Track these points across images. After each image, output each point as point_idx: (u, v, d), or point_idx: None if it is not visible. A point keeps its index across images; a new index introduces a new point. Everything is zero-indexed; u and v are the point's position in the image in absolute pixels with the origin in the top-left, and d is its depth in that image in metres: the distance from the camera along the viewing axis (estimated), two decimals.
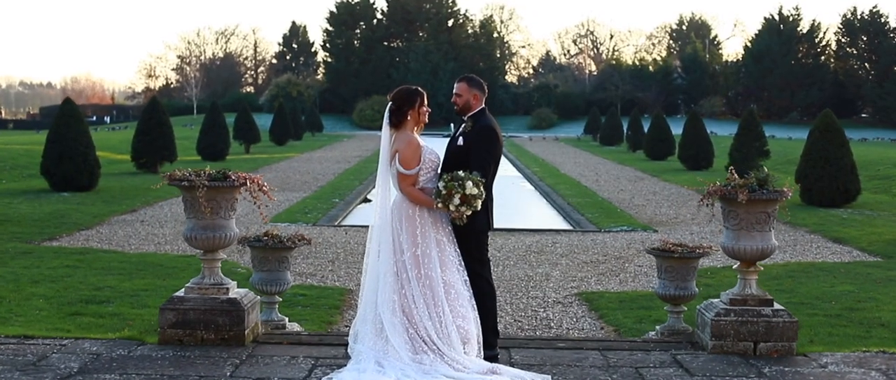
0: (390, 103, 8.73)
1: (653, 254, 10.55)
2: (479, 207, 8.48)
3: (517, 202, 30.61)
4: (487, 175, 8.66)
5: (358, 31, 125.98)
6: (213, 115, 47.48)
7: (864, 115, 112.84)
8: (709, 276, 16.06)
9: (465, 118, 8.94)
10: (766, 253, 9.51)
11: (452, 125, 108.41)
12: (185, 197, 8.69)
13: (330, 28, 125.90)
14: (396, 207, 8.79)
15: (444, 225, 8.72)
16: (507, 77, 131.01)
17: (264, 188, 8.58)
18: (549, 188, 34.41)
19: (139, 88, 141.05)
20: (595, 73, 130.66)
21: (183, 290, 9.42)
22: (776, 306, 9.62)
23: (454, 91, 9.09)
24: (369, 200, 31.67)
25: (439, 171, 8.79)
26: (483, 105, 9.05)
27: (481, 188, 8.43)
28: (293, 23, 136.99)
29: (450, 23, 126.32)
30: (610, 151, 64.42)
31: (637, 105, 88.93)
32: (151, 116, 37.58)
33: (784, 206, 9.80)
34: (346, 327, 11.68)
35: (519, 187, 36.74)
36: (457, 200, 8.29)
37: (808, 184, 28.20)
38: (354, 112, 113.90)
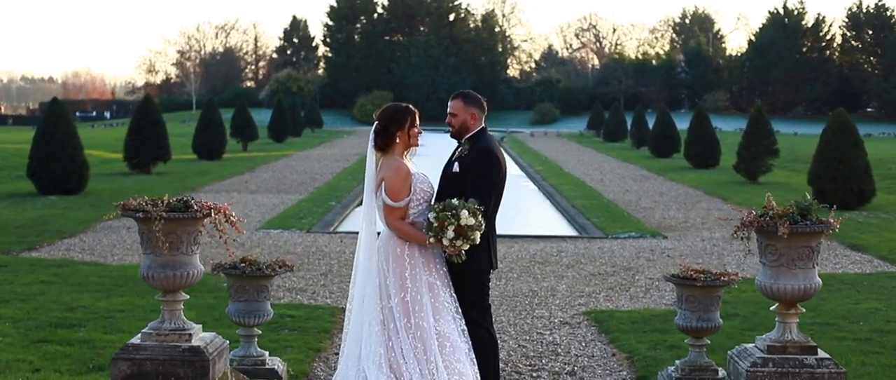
0: (376, 123, 7.70)
1: (672, 282, 9.51)
2: (478, 240, 7.35)
3: (520, 204, 29.60)
4: (487, 204, 7.56)
5: (358, 25, 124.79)
6: (210, 112, 46.48)
7: (869, 109, 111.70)
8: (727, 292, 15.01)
9: (463, 141, 7.89)
10: (808, 293, 8.35)
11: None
12: (141, 230, 7.44)
13: (330, 22, 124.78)
14: (383, 245, 7.71)
15: (439, 266, 7.65)
16: (508, 72, 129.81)
17: (232, 219, 7.38)
18: (553, 189, 33.38)
19: (139, 83, 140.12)
20: (598, 67, 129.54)
21: (139, 336, 8.16)
22: (820, 353, 8.43)
23: (448, 110, 8.01)
24: None
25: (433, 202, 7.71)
26: (482, 124, 8.01)
27: (480, 218, 7.32)
28: (294, 17, 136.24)
29: (451, 17, 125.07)
30: (614, 147, 63.36)
31: (641, 100, 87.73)
32: (145, 114, 36.62)
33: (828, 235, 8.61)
34: (335, 354, 10.73)
35: (521, 187, 35.74)
36: (451, 234, 7.18)
37: (821, 185, 27.21)
38: (355, 107, 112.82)
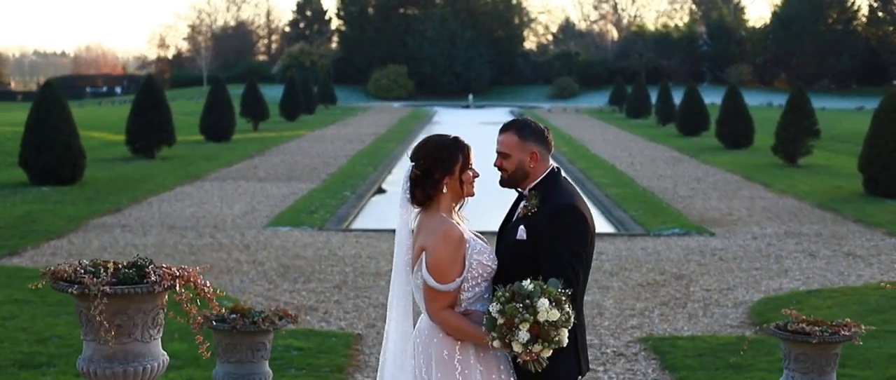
0: (412, 166, 5.40)
1: (779, 336, 7.50)
2: (566, 342, 4.98)
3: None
4: (575, 287, 5.22)
5: None
6: (218, 90, 44.29)
7: (895, 82, 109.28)
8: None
9: (527, 192, 5.54)
10: None
11: (472, 97, 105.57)
12: (79, 307, 5.06)
13: None
14: (423, 344, 5.36)
15: (504, 372, 5.32)
16: (525, 45, 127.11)
17: (205, 290, 5.14)
18: (582, 174, 31.23)
19: (151, 58, 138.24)
20: (616, 40, 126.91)
21: None
22: None
23: (497, 148, 5.60)
24: (384, 191, 28.70)
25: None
26: (550, 165, 5.63)
27: (567, 307, 4.94)
28: None
29: None
30: (638, 125, 61.10)
31: (664, 74, 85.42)
32: (148, 95, 34.58)
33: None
34: None
35: None
36: (524, 335, 4.83)
37: (873, 173, 25.18)
38: (370, 82, 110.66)
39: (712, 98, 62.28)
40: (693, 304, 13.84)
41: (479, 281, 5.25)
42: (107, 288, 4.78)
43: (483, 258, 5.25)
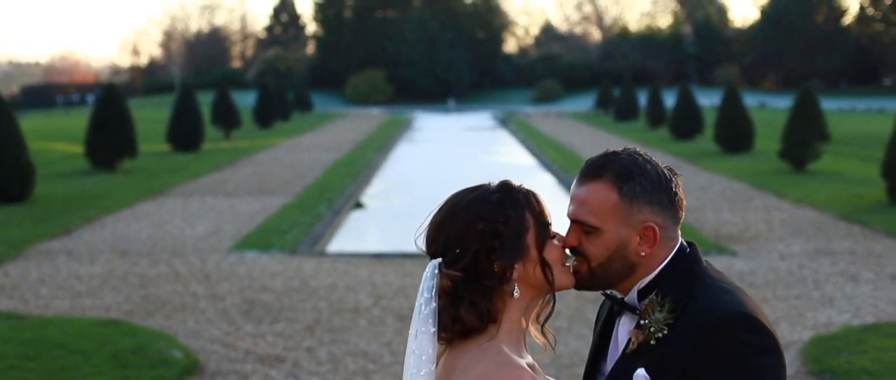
0: (435, 266, 2.97)
1: None
2: None
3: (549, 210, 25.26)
4: None
5: (349, 1, 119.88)
6: (186, 97, 41.72)
7: (886, 81, 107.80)
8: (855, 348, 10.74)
9: (636, 299, 3.06)
10: None
11: (453, 101, 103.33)
12: None
13: None
14: None
15: None
16: (506, 48, 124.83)
17: None
18: None
19: (124, 66, 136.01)
20: (600, 42, 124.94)
21: None
22: None
23: (572, 212, 3.08)
24: (362, 205, 26.49)
25: None
26: (679, 241, 3.13)
27: None
28: None
29: None
30: (627, 128, 58.94)
31: (653, 77, 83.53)
32: (108, 104, 32.13)
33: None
34: None
35: (538, 180, 31.39)
36: None
37: None
38: (347, 87, 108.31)
39: (700, 99, 60.44)
40: None
41: None
42: None
43: None
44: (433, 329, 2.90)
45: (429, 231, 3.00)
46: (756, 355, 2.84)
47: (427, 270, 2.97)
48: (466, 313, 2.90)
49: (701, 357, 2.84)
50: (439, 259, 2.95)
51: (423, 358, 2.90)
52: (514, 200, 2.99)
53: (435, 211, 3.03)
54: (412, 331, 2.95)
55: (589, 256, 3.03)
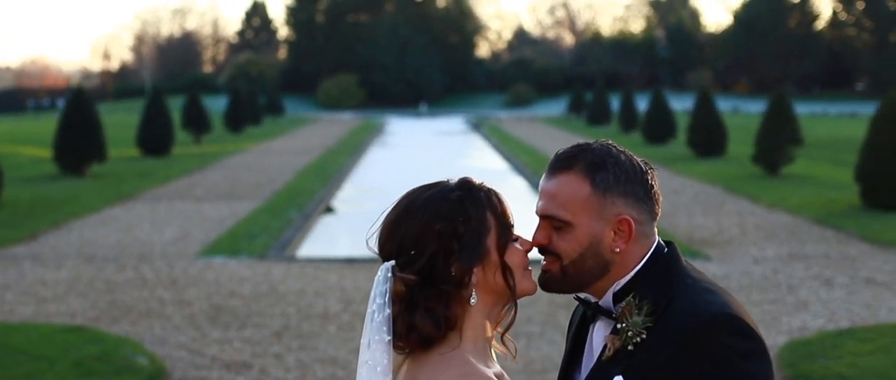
0: (387, 269, 2.76)
1: None
2: None
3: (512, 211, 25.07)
4: None
5: (321, 4, 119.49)
6: (156, 101, 41.32)
7: (858, 85, 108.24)
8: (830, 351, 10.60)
9: (611, 302, 2.84)
10: None
11: (425, 105, 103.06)
12: None
13: (292, 2, 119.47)
14: None
15: None
16: (479, 52, 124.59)
17: None
18: None
19: (95, 70, 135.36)
20: (573, 46, 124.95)
21: None
22: None
23: (540, 208, 2.88)
24: (332, 210, 26.24)
25: None
26: (656, 239, 2.89)
27: None
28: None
29: None
30: (600, 132, 58.90)
31: (627, 81, 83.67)
32: (77, 107, 31.81)
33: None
34: None
35: (509, 184, 31.23)
36: None
37: (872, 182, 22.91)
38: (319, 92, 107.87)
39: (673, 104, 60.56)
40: None
41: None
42: None
43: None
44: (388, 338, 2.70)
45: (382, 231, 2.80)
46: (742, 358, 2.64)
47: (379, 273, 2.75)
48: (422, 320, 2.68)
49: (683, 362, 2.63)
50: (393, 262, 2.75)
51: (378, 369, 2.69)
52: (474, 199, 2.78)
53: (389, 209, 2.83)
54: (364, 340, 2.74)
55: (560, 253, 2.82)
